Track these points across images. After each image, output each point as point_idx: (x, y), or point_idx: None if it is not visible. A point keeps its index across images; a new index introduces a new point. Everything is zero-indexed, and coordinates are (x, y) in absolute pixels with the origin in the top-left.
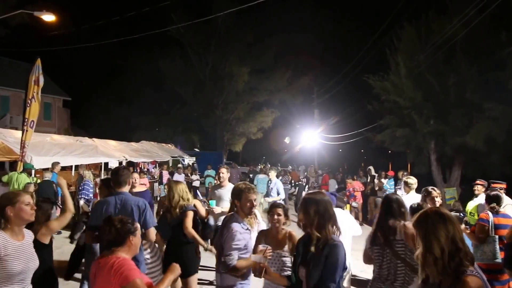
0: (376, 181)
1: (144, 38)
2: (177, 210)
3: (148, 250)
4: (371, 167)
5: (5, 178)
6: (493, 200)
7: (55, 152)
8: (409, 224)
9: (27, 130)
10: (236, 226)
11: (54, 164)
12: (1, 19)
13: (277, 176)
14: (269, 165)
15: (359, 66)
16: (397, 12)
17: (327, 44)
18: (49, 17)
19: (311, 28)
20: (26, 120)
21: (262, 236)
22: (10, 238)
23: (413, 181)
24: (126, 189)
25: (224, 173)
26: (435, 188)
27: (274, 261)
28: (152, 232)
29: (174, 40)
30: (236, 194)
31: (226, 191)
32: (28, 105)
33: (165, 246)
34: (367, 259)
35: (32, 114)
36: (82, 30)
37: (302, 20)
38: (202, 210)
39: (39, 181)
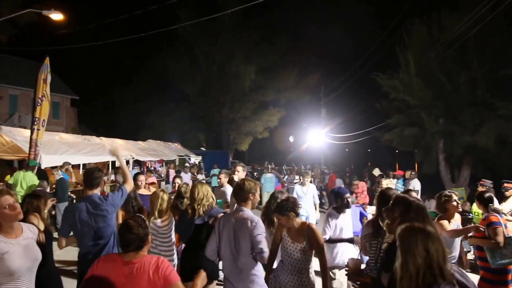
0: (383, 181)
1: (151, 37)
2: (203, 208)
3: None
4: (376, 169)
5: (11, 180)
6: (490, 201)
7: (64, 150)
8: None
9: (38, 129)
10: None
11: (65, 164)
12: (10, 18)
13: (283, 176)
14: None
15: (367, 64)
16: (407, 8)
17: (334, 42)
18: (57, 16)
19: (318, 27)
20: (37, 119)
21: (281, 228)
22: (4, 237)
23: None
24: (97, 191)
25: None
26: (454, 191)
27: (291, 253)
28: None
29: (181, 39)
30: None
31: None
32: (39, 104)
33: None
34: (363, 251)
35: (43, 113)
36: (89, 29)
37: (309, 19)
38: None
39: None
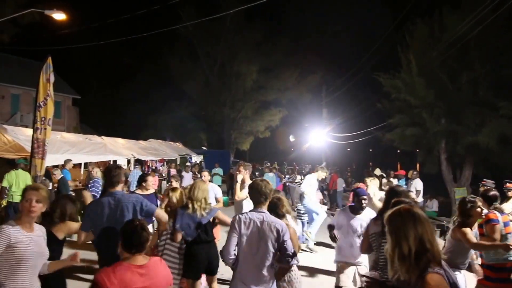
0: (384, 181)
1: (153, 37)
2: (205, 209)
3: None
4: (377, 170)
5: (4, 183)
6: (495, 200)
7: (65, 150)
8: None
9: (45, 128)
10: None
11: (66, 161)
12: (12, 17)
13: (285, 175)
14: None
15: (369, 64)
16: (409, 8)
17: (336, 42)
18: (59, 16)
19: (319, 26)
20: (44, 118)
21: None
22: (21, 229)
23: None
24: (119, 188)
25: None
26: (476, 198)
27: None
28: (161, 212)
29: (183, 39)
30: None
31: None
32: (44, 103)
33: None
34: (365, 248)
35: (48, 112)
36: (91, 28)
37: (311, 19)
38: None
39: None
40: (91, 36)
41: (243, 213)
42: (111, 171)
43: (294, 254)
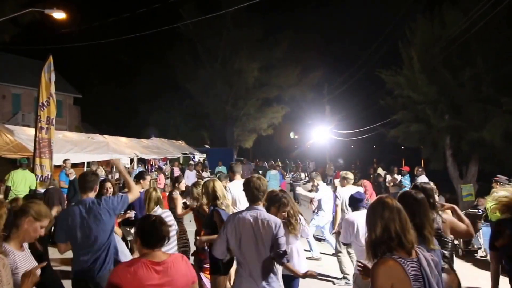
0: (389, 177)
1: (154, 35)
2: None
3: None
4: (380, 169)
5: (9, 182)
6: None
7: (68, 149)
8: (444, 215)
9: (49, 128)
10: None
11: (66, 161)
12: (12, 17)
13: (289, 173)
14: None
15: (370, 60)
16: (410, 4)
17: (338, 39)
18: (59, 15)
19: (321, 23)
20: (48, 118)
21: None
22: (16, 250)
23: (351, 176)
24: (91, 195)
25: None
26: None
27: None
28: (131, 195)
29: (184, 37)
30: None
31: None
32: (47, 103)
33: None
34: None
35: (52, 111)
36: (92, 27)
37: (312, 15)
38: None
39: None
40: (92, 35)
41: (237, 212)
42: (86, 175)
43: (285, 253)
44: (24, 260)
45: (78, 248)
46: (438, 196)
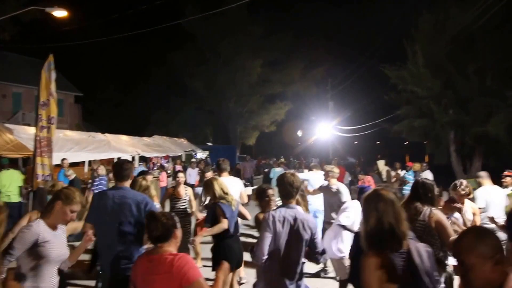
0: (393, 173)
1: (156, 33)
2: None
3: None
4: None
5: None
6: None
7: (68, 148)
8: (436, 210)
9: (49, 127)
10: None
11: (64, 160)
12: (13, 15)
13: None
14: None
15: (374, 56)
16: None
17: (341, 35)
18: (60, 13)
19: (324, 19)
20: (49, 117)
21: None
22: (48, 228)
23: (336, 170)
24: (127, 183)
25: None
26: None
27: None
28: None
29: (186, 34)
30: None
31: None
32: (48, 102)
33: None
34: None
35: (52, 110)
36: (93, 25)
37: (315, 11)
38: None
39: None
40: (93, 33)
41: (276, 210)
42: (122, 164)
43: (324, 252)
44: (53, 237)
45: (105, 230)
46: (442, 191)
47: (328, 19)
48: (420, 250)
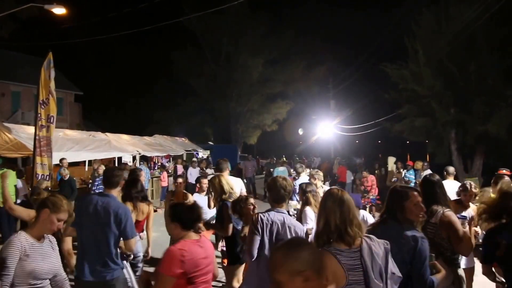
0: (395, 172)
1: (156, 31)
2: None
3: None
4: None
5: None
6: None
7: (69, 147)
8: (448, 212)
9: (48, 126)
10: None
11: (63, 160)
12: (11, 13)
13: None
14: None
15: (375, 54)
16: None
17: (342, 34)
18: (59, 10)
19: (326, 18)
20: (48, 116)
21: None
22: (30, 238)
23: (320, 173)
24: (115, 191)
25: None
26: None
27: None
28: (133, 243)
29: (187, 32)
30: None
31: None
32: (47, 101)
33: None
34: None
35: (52, 109)
36: (93, 23)
37: (317, 10)
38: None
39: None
40: (93, 31)
41: (264, 213)
42: (113, 171)
43: None
44: (38, 249)
45: (83, 238)
46: None
47: (330, 18)
48: (374, 248)
